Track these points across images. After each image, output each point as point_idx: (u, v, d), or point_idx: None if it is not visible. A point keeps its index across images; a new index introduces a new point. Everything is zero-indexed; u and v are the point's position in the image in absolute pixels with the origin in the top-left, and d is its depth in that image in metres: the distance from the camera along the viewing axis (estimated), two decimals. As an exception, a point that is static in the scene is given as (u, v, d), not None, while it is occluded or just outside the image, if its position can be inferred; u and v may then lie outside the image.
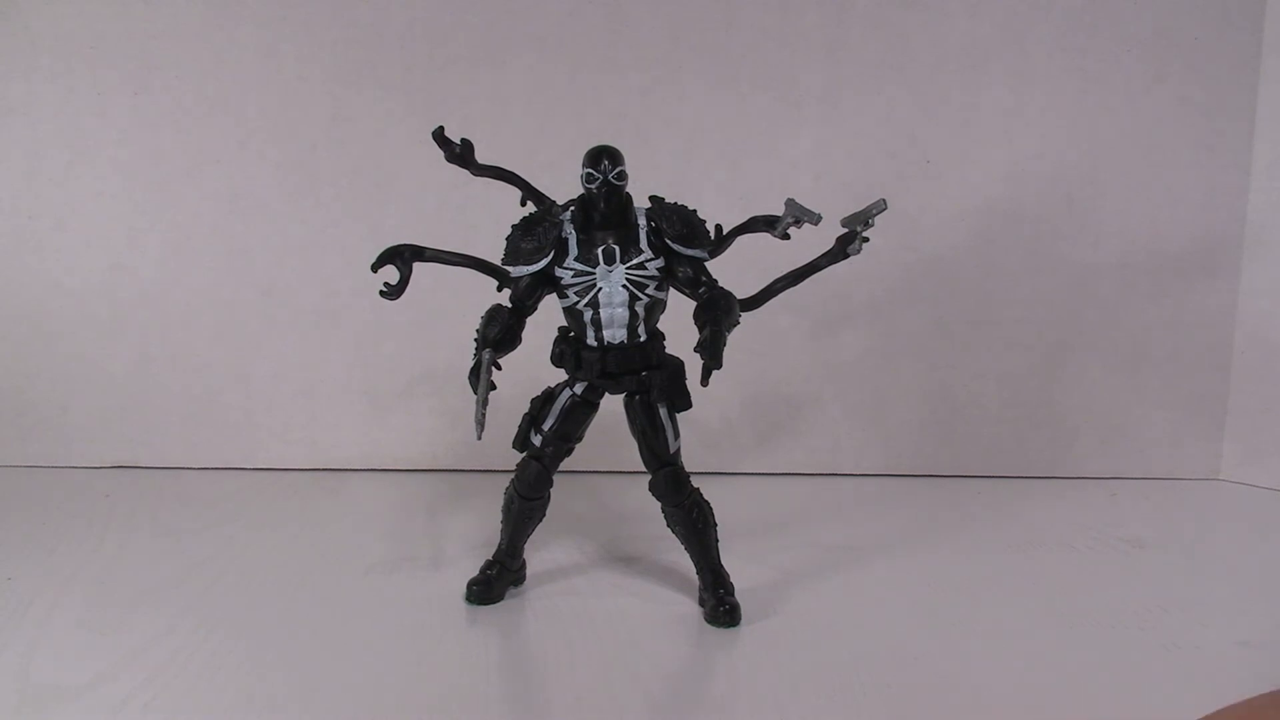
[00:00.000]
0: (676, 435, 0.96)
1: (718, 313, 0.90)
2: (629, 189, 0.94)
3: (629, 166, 0.93)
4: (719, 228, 0.98)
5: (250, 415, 1.47)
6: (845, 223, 0.95)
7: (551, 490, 1.00)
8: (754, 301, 0.97)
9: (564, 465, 1.00)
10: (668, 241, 0.94)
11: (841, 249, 0.95)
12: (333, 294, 1.43)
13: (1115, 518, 1.29)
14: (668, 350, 0.97)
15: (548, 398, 0.98)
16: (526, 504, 1.00)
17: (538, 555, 1.10)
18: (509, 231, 0.96)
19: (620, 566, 1.10)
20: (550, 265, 0.94)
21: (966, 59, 1.40)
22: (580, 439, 0.99)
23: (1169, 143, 1.40)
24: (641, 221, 0.94)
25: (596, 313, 0.93)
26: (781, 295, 0.98)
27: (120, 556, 1.12)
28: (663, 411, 0.96)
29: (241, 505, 1.32)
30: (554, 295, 0.96)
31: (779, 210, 0.96)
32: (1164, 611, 1.00)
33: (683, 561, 1.01)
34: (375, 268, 0.95)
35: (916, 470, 1.47)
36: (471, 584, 1.01)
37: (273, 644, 0.91)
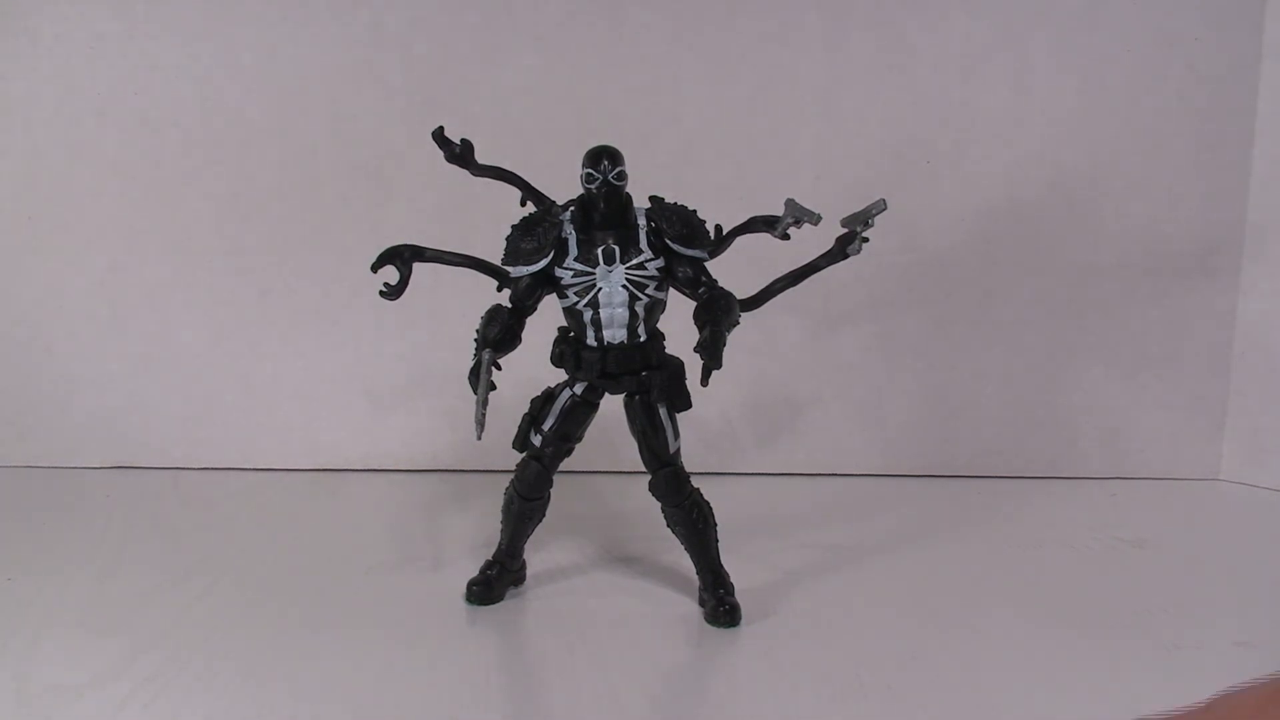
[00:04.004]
0: (676, 435, 0.96)
1: (717, 313, 0.90)
2: (629, 189, 0.94)
3: (629, 166, 0.93)
4: (719, 228, 0.98)
5: (250, 415, 1.47)
6: (845, 223, 0.95)
7: (551, 490, 1.00)
8: (754, 301, 0.97)
9: (564, 465, 1.00)
10: (668, 242, 0.94)
11: (841, 249, 0.95)
12: (333, 294, 1.43)
13: (1115, 518, 1.29)
14: (668, 350, 0.97)
15: (548, 398, 0.98)
16: (526, 504, 1.00)
17: (538, 555, 1.10)
18: (509, 231, 0.96)
19: (620, 566, 1.10)
20: (550, 265, 0.94)
21: (966, 59, 1.39)
22: (580, 439, 0.99)
23: (1169, 143, 1.40)
24: (641, 222, 0.94)
25: (596, 313, 0.93)
26: (781, 295, 0.98)
27: (120, 556, 1.12)
28: (663, 411, 0.96)
29: (241, 505, 1.32)
30: (554, 295, 0.96)
31: (779, 210, 0.96)
32: (1164, 611, 1.00)
33: (683, 561, 1.01)
34: (375, 268, 0.95)
35: (916, 470, 1.47)
36: (471, 584, 1.01)
37: (272, 644, 0.91)
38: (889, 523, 1.25)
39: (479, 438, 0.88)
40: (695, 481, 0.99)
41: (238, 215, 1.43)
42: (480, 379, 0.91)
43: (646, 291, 0.93)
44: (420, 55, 1.40)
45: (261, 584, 1.04)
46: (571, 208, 0.95)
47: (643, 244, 0.94)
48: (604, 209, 0.93)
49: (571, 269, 0.93)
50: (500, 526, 1.02)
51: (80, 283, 1.44)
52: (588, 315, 0.94)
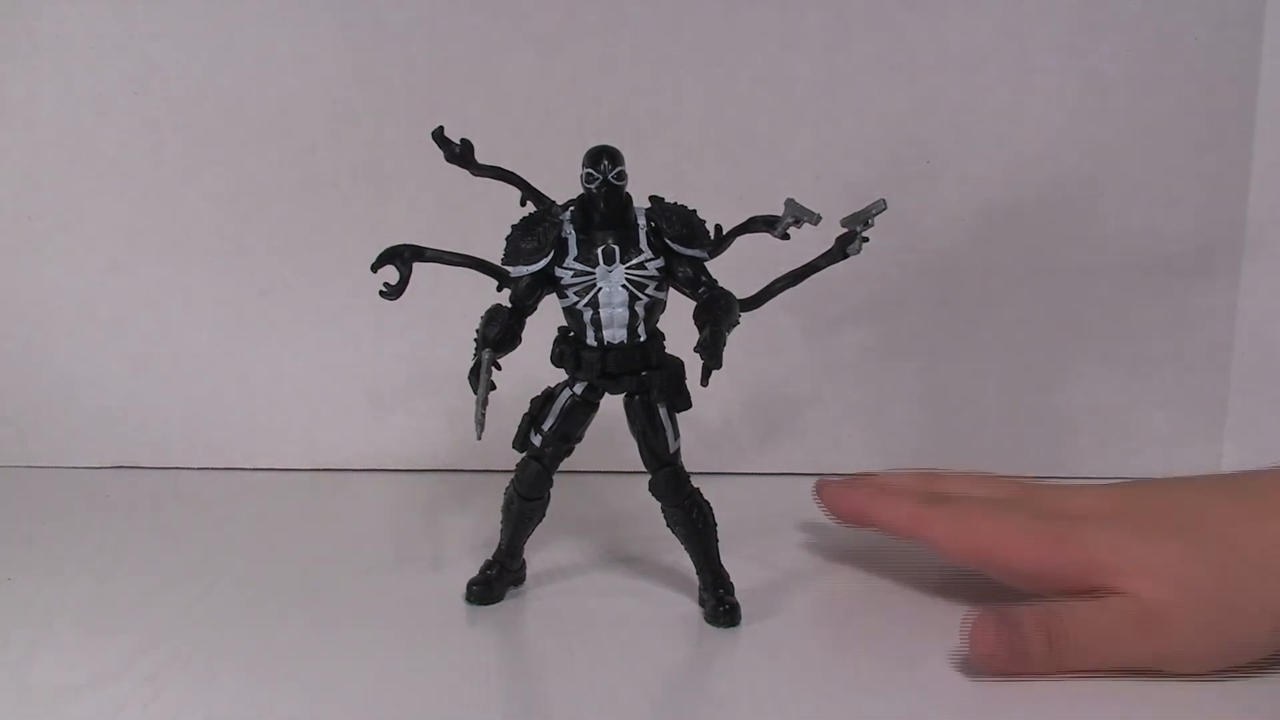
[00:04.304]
0: (676, 435, 0.96)
1: (717, 313, 0.90)
2: (629, 189, 0.94)
3: (629, 166, 0.93)
4: (719, 228, 0.98)
5: (250, 415, 1.47)
6: (845, 223, 0.95)
7: (551, 490, 1.00)
8: (754, 301, 0.97)
9: (564, 465, 1.00)
10: (667, 241, 0.93)
11: (841, 249, 0.95)
12: (333, 294, 1.43)
13: (1115, 518, 1.29)
14: (668, 350, 0.97)
15: (548, 398, 0.98)
16: (526, 504, 1.00)
17: (538, 555, 1.10)
18: (509, 231, 0.96)
19: (620, 566, 1.10)
20: (550, 265, 0.94)
21: (966, 59, 1.40)
22: (580, 439, 0.99)
23: (1169, 143, 1.40)
24: (641, 221, 0.94)
25: (596, 313, 0.93)
26: (781, 295, 0.98)
27: (120, 556, 1.12)
28: (662, 411, 0.95)
29: (241, 505, 1.32)
30: (554, 295, 0.96)
31: (779, 210, 0.96)
32: (1164, 611, 0.99)
33: (683, 561, 1.01)
34: (375, 268, 0.95)
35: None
36: (471, 584, 1.01)
37: (272, 644, 0.91)
38: (889, 523, 1.25)
39: (479, 438, 0.88)
40: (695, 481, 0.99)
41: (238, 215, 1.43)
42: (480, 379, 0.91)
43: (646, 291, 0.93)
44: (420, 55, 1.40)
45: (261, 584, 1.04)
46: (571, 208, 0.95)
47: (643, 244, 0.93)
48: (604, 209, 0.93)
49: (571, 269, 0.93)
50: (500, 526, 1.02)
51: (80, 283, 1.44)
52: (588, 315, 0.94)
